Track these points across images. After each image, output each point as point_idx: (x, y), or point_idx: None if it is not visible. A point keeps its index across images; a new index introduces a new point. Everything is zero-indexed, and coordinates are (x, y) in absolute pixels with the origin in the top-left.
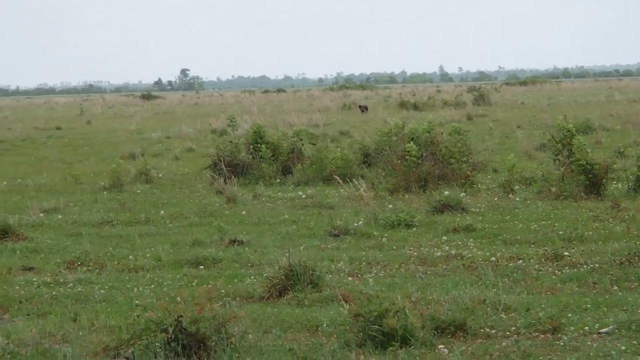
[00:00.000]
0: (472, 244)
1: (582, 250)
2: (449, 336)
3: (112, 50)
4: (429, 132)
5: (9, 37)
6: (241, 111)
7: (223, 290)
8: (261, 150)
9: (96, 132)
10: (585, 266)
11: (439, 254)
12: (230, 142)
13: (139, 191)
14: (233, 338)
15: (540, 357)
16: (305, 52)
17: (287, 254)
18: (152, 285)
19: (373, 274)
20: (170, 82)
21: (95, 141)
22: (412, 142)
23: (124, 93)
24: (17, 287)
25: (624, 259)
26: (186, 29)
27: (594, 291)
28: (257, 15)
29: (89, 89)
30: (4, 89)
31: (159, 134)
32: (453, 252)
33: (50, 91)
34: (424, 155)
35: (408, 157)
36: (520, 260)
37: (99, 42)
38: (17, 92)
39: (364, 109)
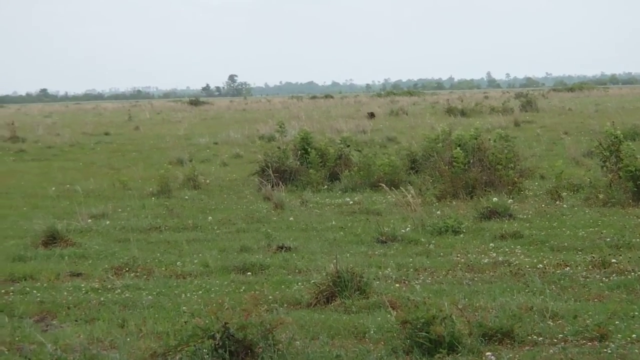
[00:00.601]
0: (519, 251)
1: (630, 257)
2: (496, 343)
3: (160, 56)
4: (476, 138)
5: (57, 43)
6: (289, 117)
7: (270, 297)
8: (309, 156)
9: (144, 137)
10: (633, 273)
11: (486, 260)
12: (278, 148)
13: (186, 197)
14: (280, 344)
15: None
16: (353, 58)
17: (335, 261)
18: (200, 292)
19: (420, 281)
20: (218, 88)
21: (143, 147)
22: (459, 149)
23: (172, 99)
24: (65, 293)
25: None
26: (234, 35)
27: None
28: (304, 21)
29: (137, 95)
30: (53, 95)
31: (207, 140)
32: (500, 258)
33: (99, 97)
34: (471, 161)
35: (455, 163)
36: (568, 267)
37: (147, 48)
38: (65, 98)
39: (370, 115)
